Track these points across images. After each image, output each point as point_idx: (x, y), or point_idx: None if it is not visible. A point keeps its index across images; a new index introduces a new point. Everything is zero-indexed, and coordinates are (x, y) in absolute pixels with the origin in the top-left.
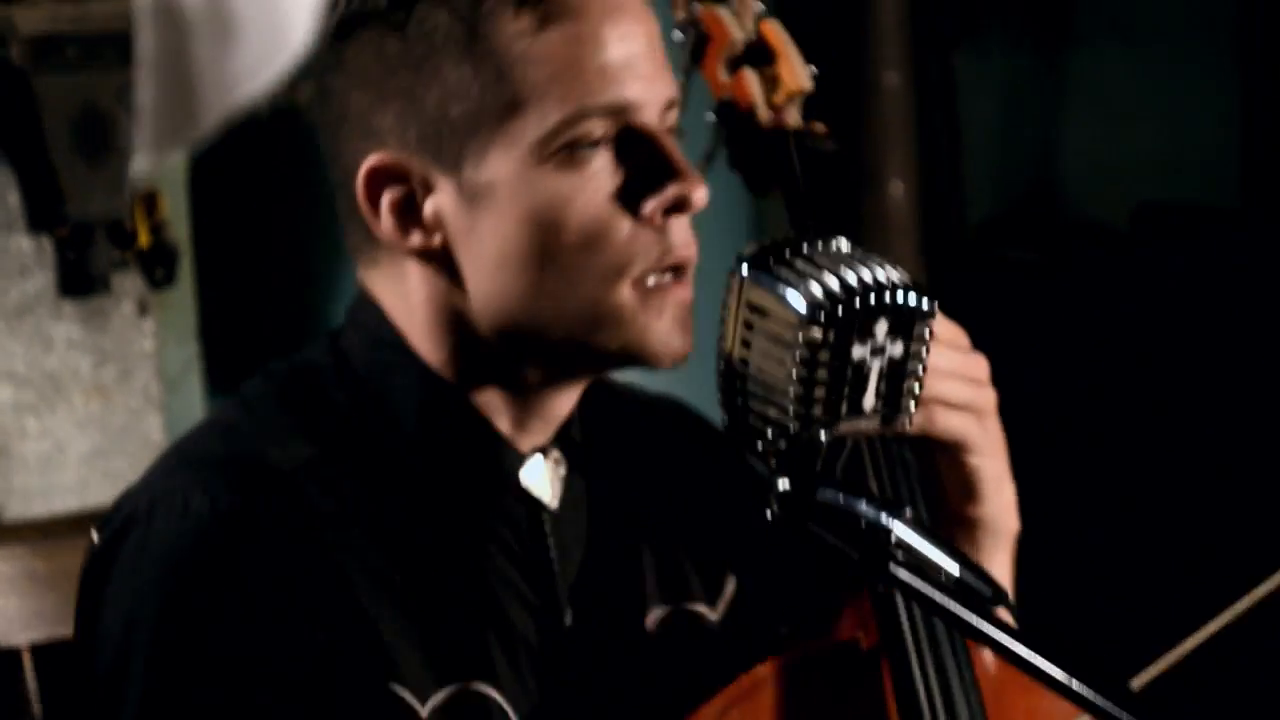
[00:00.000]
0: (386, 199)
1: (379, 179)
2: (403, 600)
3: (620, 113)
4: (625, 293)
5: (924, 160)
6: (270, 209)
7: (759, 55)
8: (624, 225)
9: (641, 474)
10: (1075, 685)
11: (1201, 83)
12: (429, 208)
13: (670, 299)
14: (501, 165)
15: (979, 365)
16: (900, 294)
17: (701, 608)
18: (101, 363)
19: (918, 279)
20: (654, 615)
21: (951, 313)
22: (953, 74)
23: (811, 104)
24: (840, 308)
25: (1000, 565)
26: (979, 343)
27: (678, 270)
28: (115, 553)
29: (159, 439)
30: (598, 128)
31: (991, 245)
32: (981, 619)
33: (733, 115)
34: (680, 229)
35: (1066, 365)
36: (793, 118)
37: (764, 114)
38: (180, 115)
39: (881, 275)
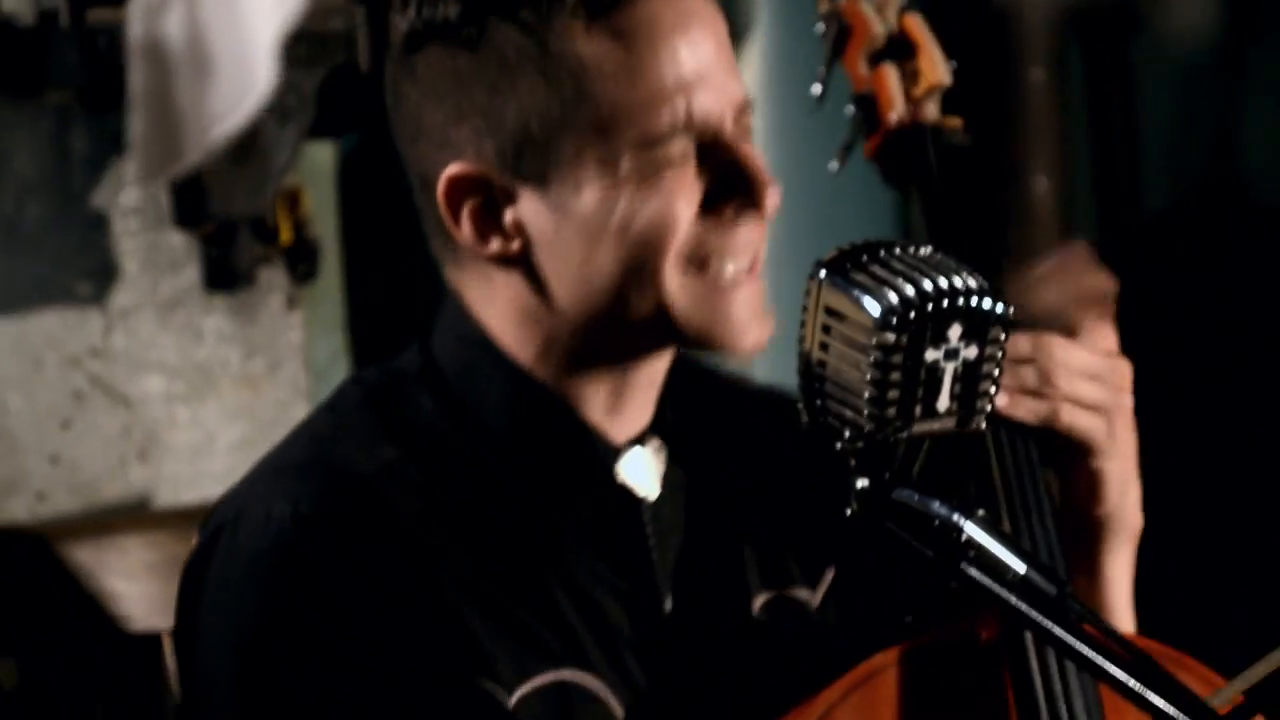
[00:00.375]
0: (467, 207)
1: (459, 188)
2: (490, 596)
3: (696, 125)
4: (694, 279)
5: (1091, 152)
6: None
7: (900, 49)
8: (700, 229)
9: (741, 461)
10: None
11: None
12: (509, 216)
13: (743, 290)
14: (583, 179)
15: (1119, 369)
16: (974, 299)
17: (804, 594)
18: (250, 354)
19: (991, 284)
20: (758, 600)
21: (1124, 304)
22: (1130, 62)
23: (953, 99)
24: (913, 312)
25: (1121, 563)
26: (1151, 337)
27: (749, 262)
28: (207, 561)
29: None
30: (676, 145)
31: (1169, 235)
32: (1049, 617)
33: (872, 108)
34: (749, 228)
35: (1246, 354)
36: (930, 112)
37: (902, 108)
38: (167, 148)
39: (957, 281)
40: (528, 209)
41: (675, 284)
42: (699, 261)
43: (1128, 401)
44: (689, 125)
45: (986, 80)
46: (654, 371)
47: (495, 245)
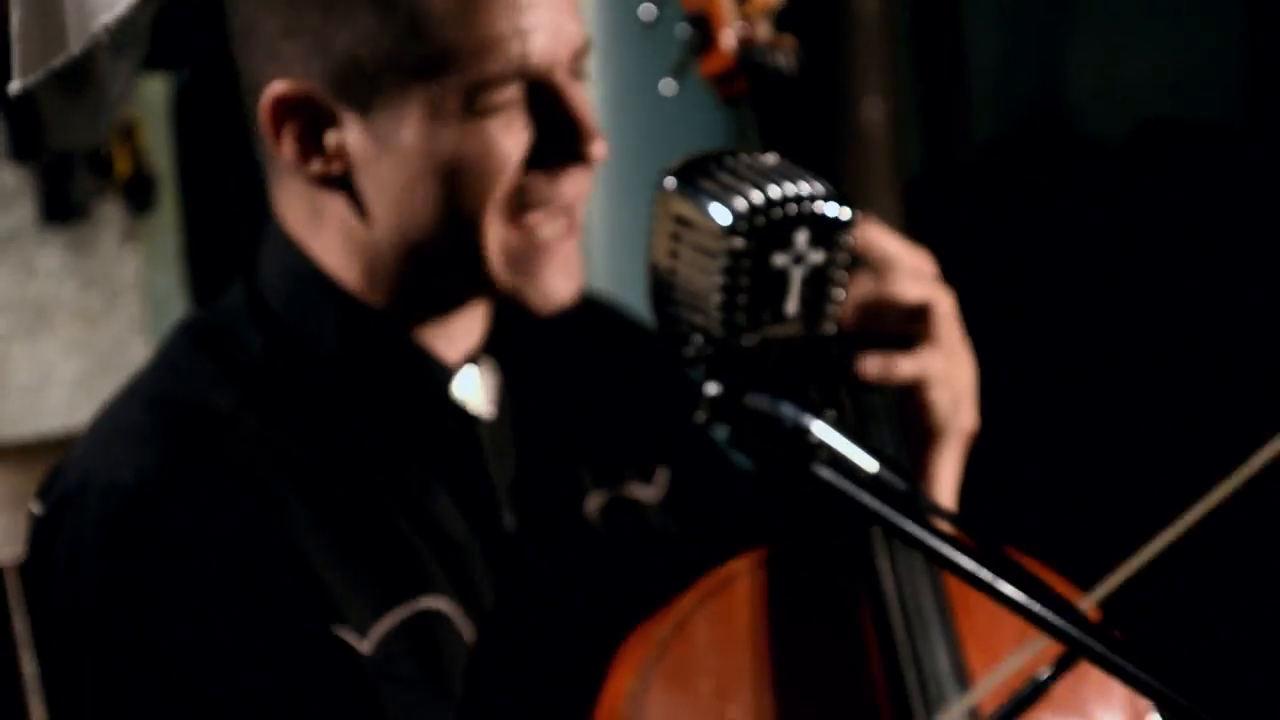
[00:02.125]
0: (290, 125)
1: (283, 105)
2: (338, 538)
3: (529, 70)
4: (514, 231)
5: (925, 79)
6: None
7: None
8: (522, 175)
9: (568, 371)
10: (981, 573)
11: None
12: (332, 138)
13: (559, 251)
14: (408, 114)
15: (930, 265)
16: (820, 204)
17: (640, 491)
18: (87, 289)
19: (839, 190)
20: (593, 502)
21: (949, 231)
22: None
23: (784, 20)
24: (761, 217)
25: (950, 464)
26: (975, 263)
27: (568, 219)
28: (53, 533)
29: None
30: (507, 87)
31: (995, 164)
32: (899, 513)
33: (705, 28)
34: (574, 179)
35: (1066, 281)
36: (763, 32)
37: (735, 27)
38: (48, 40)
39: (803, 187)
40: (350, 134)
41: (493, 233)
42: (520, 210)
43: (947, 299)
44: (521, 71)
45: (817, 3)
46: (484, 310)
47: (316, 166)
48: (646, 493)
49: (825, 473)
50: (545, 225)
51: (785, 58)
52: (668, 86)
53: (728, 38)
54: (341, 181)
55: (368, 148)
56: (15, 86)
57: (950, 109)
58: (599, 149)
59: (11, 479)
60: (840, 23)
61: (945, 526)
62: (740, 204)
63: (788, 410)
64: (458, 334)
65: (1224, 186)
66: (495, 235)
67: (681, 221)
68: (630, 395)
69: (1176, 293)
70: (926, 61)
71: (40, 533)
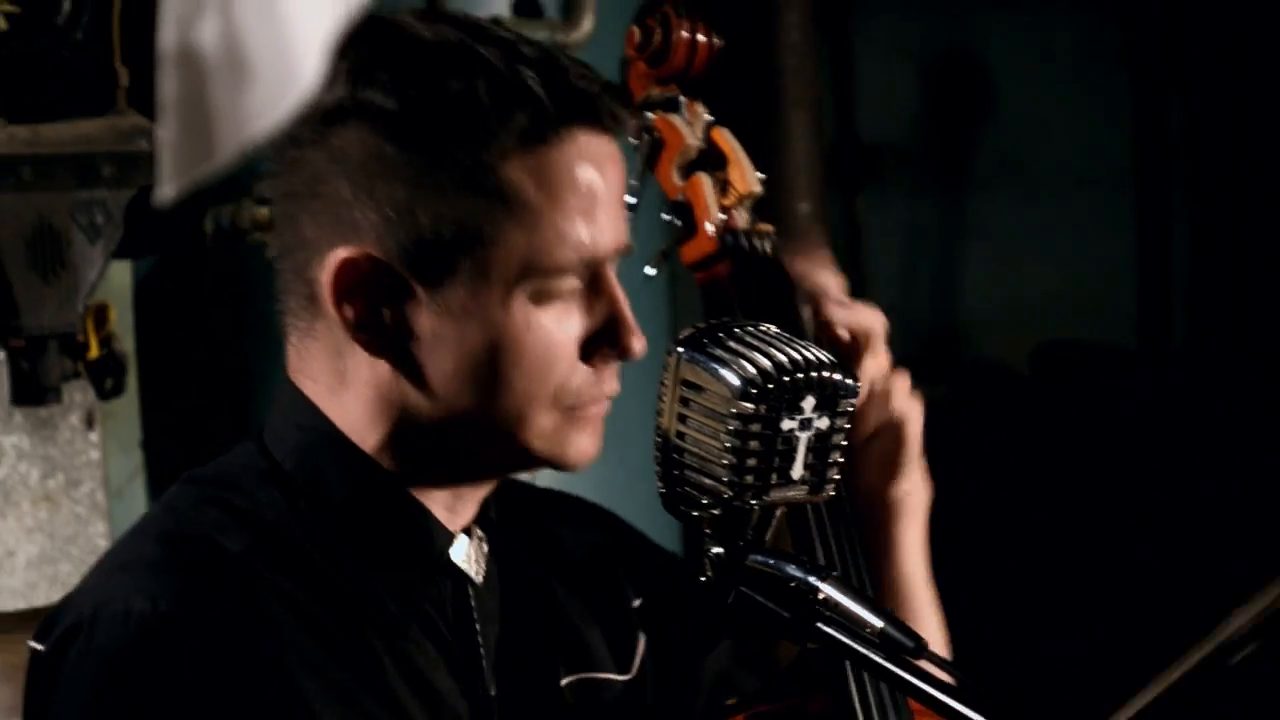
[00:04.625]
0: (355, 290)
1: (351, 270)
2: (338, 685)
3: (591, 265)
4: (558, 416)
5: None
6: (212, 325)
7: (711, 160)
8: (572, 364)
9: (542, 557)
10: None
11: (1099, 227)
12: (396, 310)
13: (591, 417)
14: (479, 295)
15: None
16: (827, 371)
17: (608, 675)
18: (49, 472)
19: (839, 358)
20: (566, 682)
21: None
22: (857, 218)
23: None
24: (770, 383)
25: (916, 533)
26: None
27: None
28: (60, 662)
29: (104, 545)
30: (570, 280)
31: None
32: (904, 669)
33: (688, 215)
34: (613, 371)
35: (971, 498)
36: (742, 218)
37: (717, 215)
38: (198, 151)
39: (810, 355)
40: (416, 308)
41: (539, 417)
42: (561, 396)
43: (906, 382)
44: (584, 263)
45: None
46: (490, 484)
47: (373, 333)
48: (619, 674)
49: (831, 630)
50: (589, 409)
51: (765, 242)
52: (651, 272)
53: (710, 226)
54: (392, 350)
55: (432, 323)
56: (164, 194)
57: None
58: (640, 345)
59: None
60: (780, 227)
61: (952, 681)
62: (750, 370)
63: (794, 570)
64: (461, 506)
65: (1117, 407)
66: (541, 419)
67: (691, 387)
68: (596, 579)
69: (1076, 506)
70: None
71: (42, 667)
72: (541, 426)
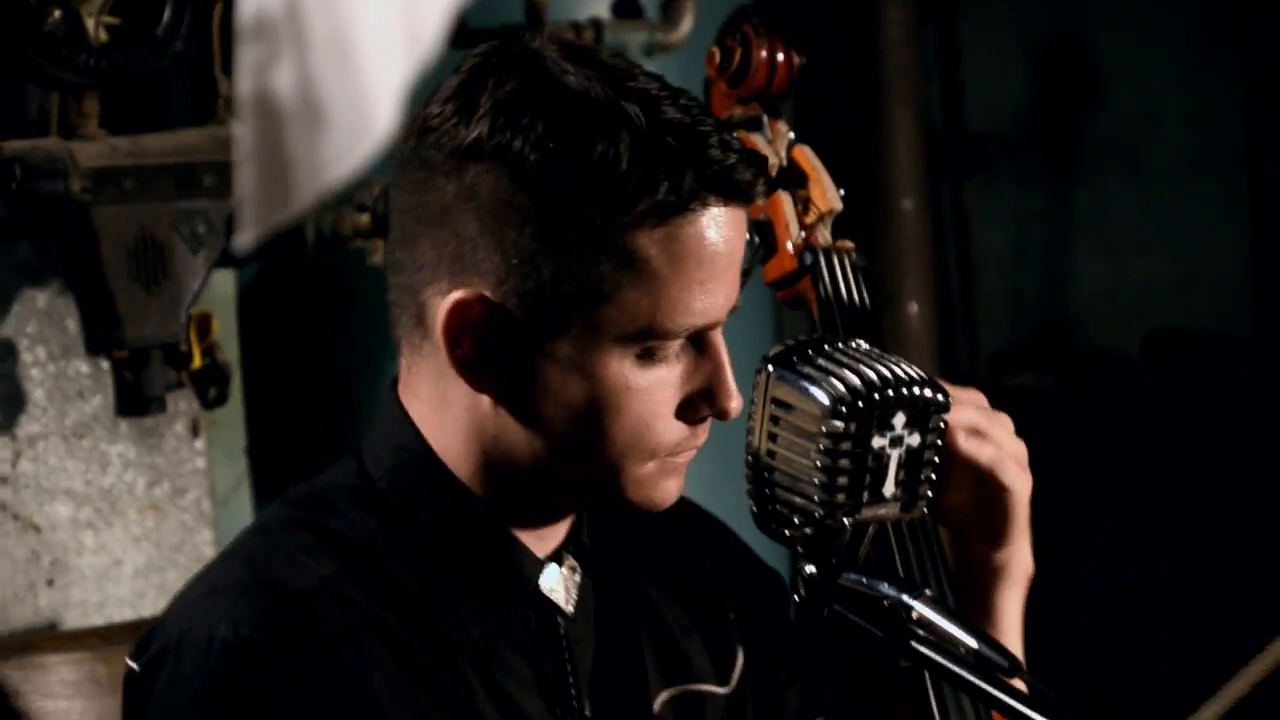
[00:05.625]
0: (472, 328)
1: (471, 308)
2: (425, 710)
3: (701, 329)
4: (652, 466)
5: (940, 285)
6: (314, 332)
7: (792, 178)
8: (669, 421)
9: (640, 566)
10: None
11: (1210, 213)
12: (509, 354)
13: (678, 465)
14: (589, 346)
15: (1004, 420)
16: (916, 388)
17: (709, 686)
18: (155, 481)
19: (930, 375)
20: (660, 699)
21: None
22: (965, 207)
23: (839, 225)
24: (861, 401)
25: (1015, 605)
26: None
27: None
28: (150, 686)
29: (210, 553)
30: (680, 342)
31: (1005, 374)
32: (999, 689)
33: (769, 234)
34: (706, 427)
35: (1081, 489)
36: (823, 236)
37: (798, 234)
38: (276, 197)
39: (900, 371)
40: (526, 354)
41: (635, 472)
42: (657, 450)
43: (1021, 445)
44: (697, 329)
45: (861, 211)
46: (573, 508)
47: (479, 372)
48: (719, 686)
49: (925, 650)
50: (679, 460)
51: (847, 259)
52: None
53: (791, 244)
54: (495, 388)
55: (538, 370)
56: (243, 242)
57: (960, 319)
58: (737, 406)
59: (91, 664)
60: (884, 226)
61: (1045, 701)
62: (840, 388)
63: (887, 589)
64: (550, 533)
65: (1230, 396)
66: (635, 471)
67: (782, 405)
68: (704, 586)
69: (1187, 498)
70: (936, 270)
71: (135, 688)
72: (635, 477)
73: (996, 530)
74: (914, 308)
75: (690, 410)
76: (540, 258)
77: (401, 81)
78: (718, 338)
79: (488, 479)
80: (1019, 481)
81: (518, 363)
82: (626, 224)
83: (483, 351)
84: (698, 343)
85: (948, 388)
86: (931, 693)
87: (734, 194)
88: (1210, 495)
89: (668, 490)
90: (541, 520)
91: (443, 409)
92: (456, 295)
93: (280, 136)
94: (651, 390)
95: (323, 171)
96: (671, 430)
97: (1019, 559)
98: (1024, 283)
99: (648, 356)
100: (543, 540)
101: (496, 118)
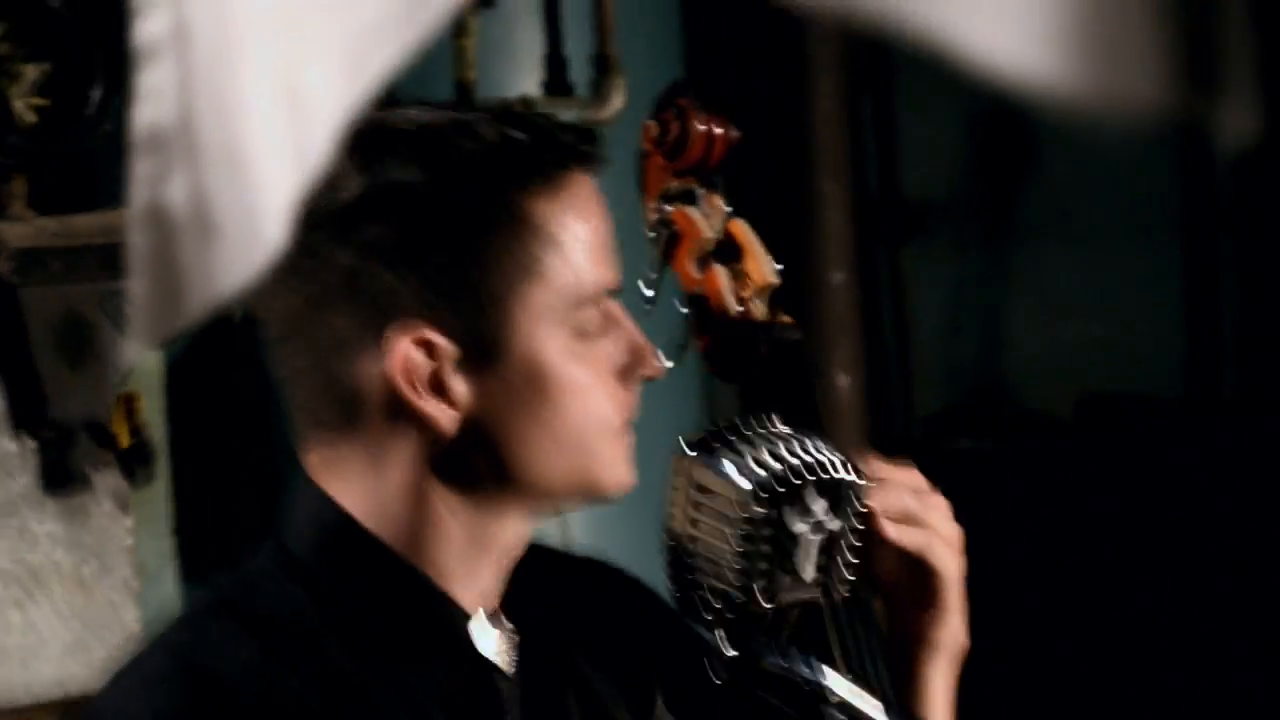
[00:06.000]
0: (418, 371)
1: (410, 357)
2: None
3: (608, 294)
4: (619, 443)
5: (871, 354)
6: (241, 409)
7: (728, 253)
8: (619, 390)
9: (567, 626)
10: None
11: (1145, 278)
12: (464, 378)
13: (629, 444)
14: (534, 338)
15: (946, 505)
16: (836, 471)
17: None
18: (83, 558)
19: (850, 457)
20: None
21: None
22: (901, 271)
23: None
24: (780, 486)
25: (946, 679)
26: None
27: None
28: None
29: (137, 630)
30: (597, 312)
31: (941, 437)
32: None
33: (704, 307)
34: (637, 393)
35: (1015, 551)
36: (759, 310)
37: (734, 307)
38: (168, 308)
39: (820, 455)
40: (480, 373)
41: (607, 450)
42: (612, 424)
43: (957, 534)
44: (606, 295)
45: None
46: (515, 548)
47: (443, 409)
48: None
49: None
50: (628, 434)
51: (785, 333)
52: (668, 364)
53: (727, 317)
54: (463, 420)
55: (496, 384)
56: (132, 352)
57: (896, 383)
58: (663, 361)
59: None
60: (814, 299)
61: None
62: (760, 473)
63: (808, 673)
64: (489, 590)
65: (1164, 458)
66: (607, 449)
67: (701, 490)
68: (625, 651)
69: (1123, 560)
70: (871, 336)
71: None
72: (608, 456)
73: (926, 606)
74: (843, 380)
75: (627, 377)
76: (460, 266)
77: (292, 195)
78: (619, 307)
79: (430, 538)
80: (949, 565)
81: (476, 385)
82: (522, 191)
83: (439, 387)
84: (611, 319)
85: (882, 468)
86: None
87: (591, 161)
88: (1145, 557)
89: (619, 474)
90: (481, 577)
91: (379, 480)
92: (400, 342)
93: (172, 248)
94: (598, 364)
95: (214, 282)
96: (622, 399)
97: (950, 634)
98: (960, 346)
99: (581, 334)
100: (482, 599)
101: (368, 168)
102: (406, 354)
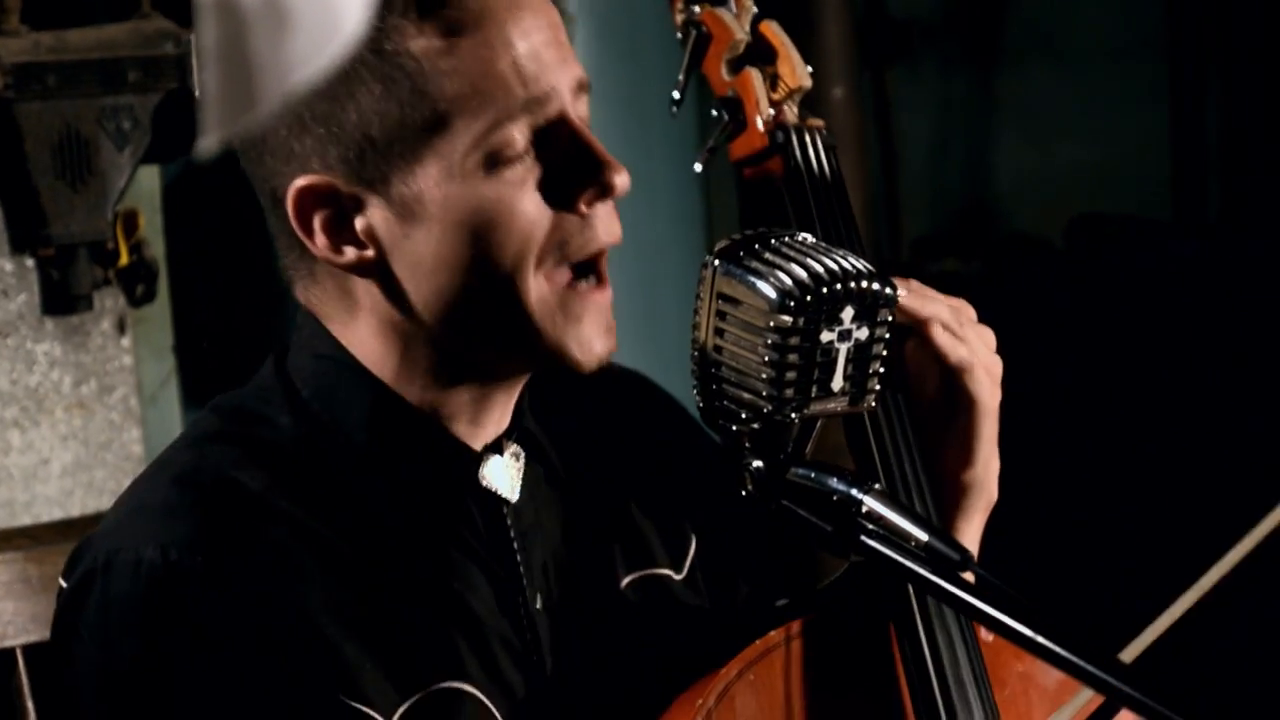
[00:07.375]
0: (318, 219)
1: (308, 200)
2: (364, 619)
3: (535, 109)
4: (553, 282)
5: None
6: (241, 226)
7: (760, 54)
8: (552, 218)
9: (596, 448)
10: (1036, 637)
11: (1131, 99)
12: (360, 223)
13: (590, 303)
14: (428, 179)
15: (986, 333)
16: (865, 281)
17: (666, 571)
18: (82, 379)
19: (879, 267)
20: (624, 583)
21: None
22: (888, 94)
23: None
24: (808, 295)
25: (977, 528)
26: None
27: (597, 270)
28: (79, 605)
29: (138, 451)
30: (518, 132)
31: (928, 259)
32: (949, 581)
33: (737, 111)
34: (604, 215)
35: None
36: (792, 113)
37: (768, 110)
38: (240, 101)
39: (847, 264)
40: (377, 215)
41: (533, 287)
42: (557, 262)
43: (999, 366)
44: (526, 108)
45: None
46: (515, 382)
47: (350, 255)
48: (674, 571)
49: (874, 543)
50: (581, 269)
51: (816, 136)
52: (697, 168)
53: (760, 120)
54: (375, 267)
55: (394, 225)
56: (207, 146)
57: (883, 205)
58: (622, 179)
59: (18, 565)
60: (816, 114)
61: (997, 594)
62: (788, 282)
63: (836, 483)
64: (486, 421)
65: (1152, 278)
66: (535, 290)
67: (728, 300)
68: (663, 470)
69: (1112, 380)
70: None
71: (66, 607)
72: (538, 294)
73: (963, 444)
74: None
75: (565, 196)
76: (337, 117)
77: None
78: (570, 115)
79: (412, 374)
80: (987, 394)
81: (376, 230)
82: (390, 34)
83: (340, 231)
84: (551, 134)
85: (935, 295)
86: (915, 607)
87: None
88: (1134, 378)
89: (583, 338)
90: (476, 409)
91: (352, 318)
92: (294, 187)
93: (244, 39)
94: (515, 196)
95: (288, 74)
96: (544, 222)
97: (984, 483)
98: (947, 169)
99: (493, 162)
100: (480, 430)
101: None
102: (302, 200)
